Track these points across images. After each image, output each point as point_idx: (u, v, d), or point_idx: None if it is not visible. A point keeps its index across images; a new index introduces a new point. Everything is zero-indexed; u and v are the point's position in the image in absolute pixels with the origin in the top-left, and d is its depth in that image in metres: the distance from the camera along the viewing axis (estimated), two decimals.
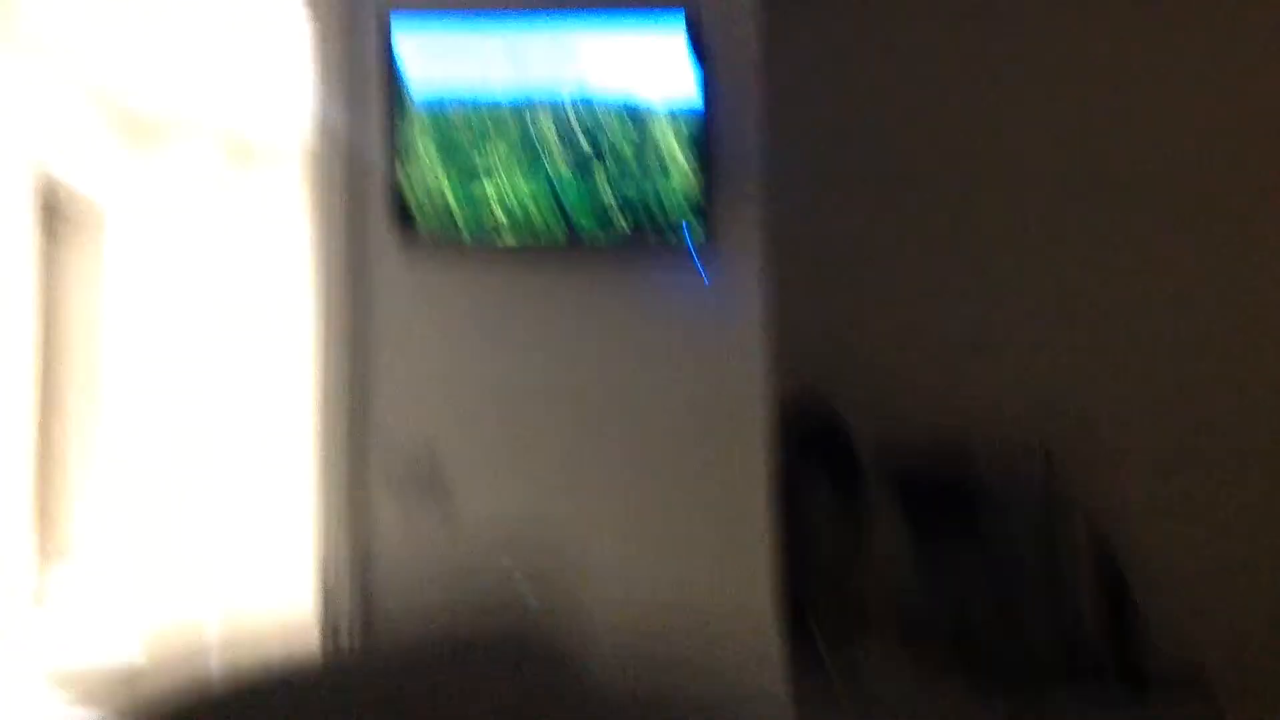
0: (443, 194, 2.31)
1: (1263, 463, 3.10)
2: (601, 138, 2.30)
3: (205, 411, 4.52)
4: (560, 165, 2.31)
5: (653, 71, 2.30)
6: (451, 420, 2.44)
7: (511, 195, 2.31)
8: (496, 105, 2.30)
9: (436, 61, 2.31)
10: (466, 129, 2.30)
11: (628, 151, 2.30)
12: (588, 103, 2.30)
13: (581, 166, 2.30)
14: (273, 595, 4.03)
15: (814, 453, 2.89)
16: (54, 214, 4.15)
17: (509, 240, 2.32)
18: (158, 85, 4.24)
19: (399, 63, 2.31)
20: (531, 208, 2.31)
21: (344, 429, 2.41)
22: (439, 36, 2.31)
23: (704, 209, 2.31)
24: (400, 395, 2.44)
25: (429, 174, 2.31)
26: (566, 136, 2.30)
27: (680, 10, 2.31)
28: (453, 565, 2.38)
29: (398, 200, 2.32)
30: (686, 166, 2.30)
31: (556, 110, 2.30)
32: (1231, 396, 3.15)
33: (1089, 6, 3.29)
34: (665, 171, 2.30)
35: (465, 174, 2.31)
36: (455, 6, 2.39)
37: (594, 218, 2.31)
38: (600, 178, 2.30)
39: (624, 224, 2.31)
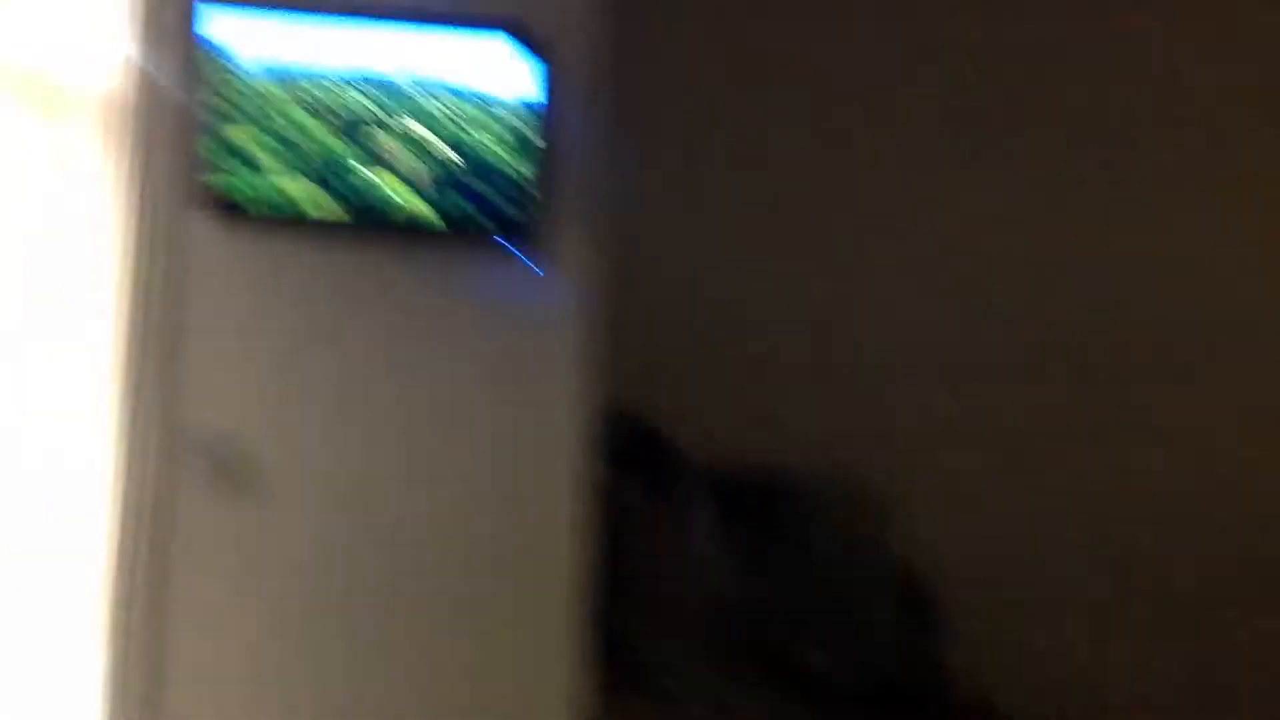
0: (255, 168, 2.22)
1: (1074, 492, 3.18)
2: (431, 122, 2.23)
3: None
4: (383, 146, 2.23)
5: (484, 67, 2.25)
6: (260, 412, 2.35)
7: (328, 174, 2.23)
8: (315, 80, 2.22)
9: (250, 39, 2.22)
10: (281, 101, 2.22)
11: (458, 137, 2.24)
12: (418, 86, 2.24)
13: (406, 148, 2.24)
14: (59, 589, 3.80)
15: (630, 459, 2.88)
16: None
17: (318, 220, 2.25)
18: None
19: (209, 36, 2.22)
20: (346, 188, 2.24)
21: (149, 416, 2.32)
22: (252, 19, 2.23)
23: (535, 206, 2.26)
24: (210, 382, 2.35)
25: (240, 144, 2.22)
26: (390, 116, 2.23)
27: (505, 25, 2.25)
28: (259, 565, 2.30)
29: (206, 169, 2.23)
30: (519, 159, 2.24)
31: (380, 89, 2.23)
32: (1043, 422, 3.21)
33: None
34: (496, 163, 2.24)
35: (278, 147, 2.22)
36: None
37: (419, 203, 2.25)
38: (425, 161, 2.24)
39: (449, 212, 2.25)
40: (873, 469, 3.11)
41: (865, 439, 3.16)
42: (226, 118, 2.21)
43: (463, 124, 2.23)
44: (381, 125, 2.23)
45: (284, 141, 2.22)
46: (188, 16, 2.32)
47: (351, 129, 2.22)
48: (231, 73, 2.20)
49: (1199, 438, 3.10)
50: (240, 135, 2.21)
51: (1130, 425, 3.18)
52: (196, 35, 2.23)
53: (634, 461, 2.85)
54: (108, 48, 2.72)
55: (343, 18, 2.24)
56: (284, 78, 2.22)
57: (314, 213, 2.24)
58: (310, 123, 2.22)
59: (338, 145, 2.23)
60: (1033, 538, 3.13)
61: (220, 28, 2.21)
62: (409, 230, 2.27)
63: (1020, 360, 3.20)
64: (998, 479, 3.15)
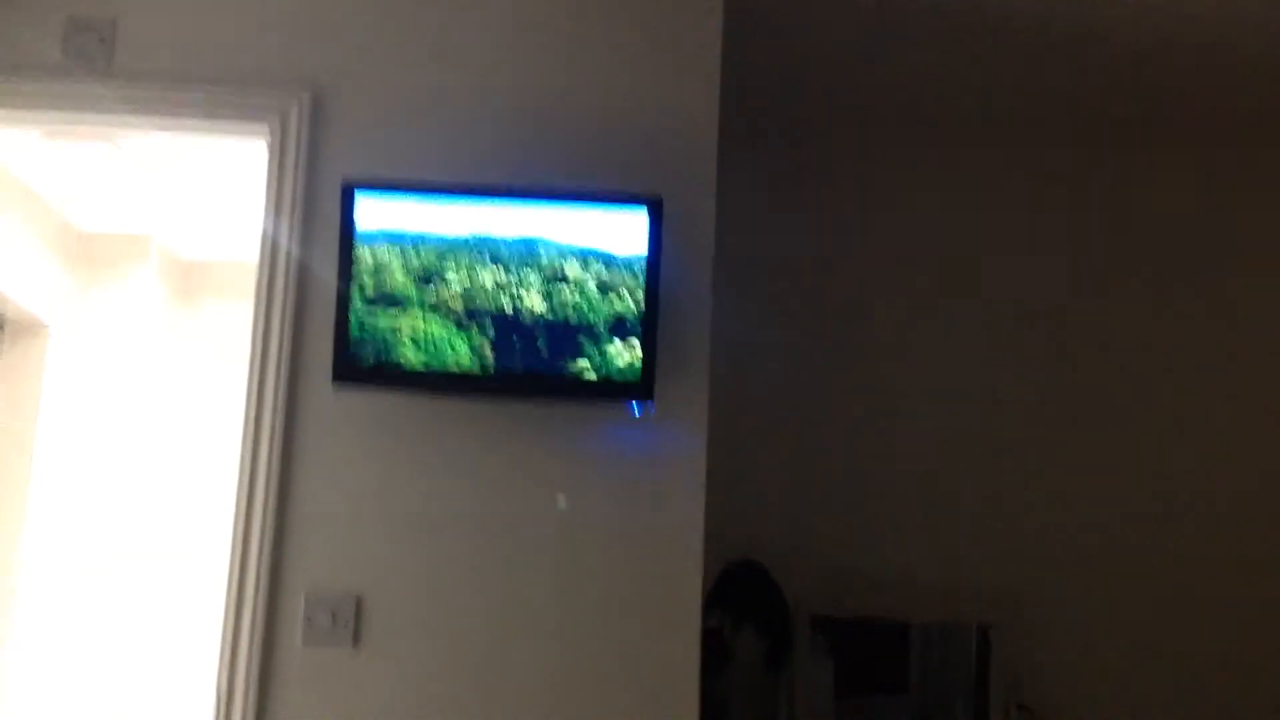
0: (384, 325, 2.33)
1: (1193, 640, 3.14)
2: (550, 284, 2.34)
3: (125, 545, 4.47)
4: (505, 304, 2.34)
5: (607, 235, 2.37)
6: (376, 563, 2.41)
7: (449, 331, 2.33)
8: (445, 244, 2.35)
9: (390, 215, 2.36)
10: (415, 264, 2.34)
11: (575, 298, 2.34)
12: (537, 247, 2.35)
13: (528, 307, 2.34)
14: None
15: (741, 604, 2.89)
16: None
17: (441, 373, 2.34)
18: (111, 209, 4.29)
19: (354, 216, 2.36)
20: (468, 345, 2.33)
21: (262, 567, 2.39)
22: (395, 200, 2.38)
23: (647, 364, 2.34)
24: (323, 532, 2.43)
25: (370, 306, 2.33)
26: (513, 277, 2.34)
27: (647, 201, 2.37)
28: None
29: (342, 333, 2.33)
30: (633, 313, 2.34)
31: (503, 250, 2.35)
32: (1173, 572, 3.20)
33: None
34: (612, 321, 2.34)
35: (406, 306, 2.33)
36: (413, 175, 2.46)
37: (535, 360, 2.34)
38: (546, 318, 2.34)
39: (566, 371, 2.34)
40: (978, 611, 3.11)
41: (971, 581, 3.17)
42: (364, 294, 2.34)
43: (580, 279, 2.35)
44: (500, 286, 2.35)
45: (409, 304, 2.34)
46: (327, 195, 2.50)
47: (473, 291, 2.34)
48: (364, 247, 2.35)
49: None
50: (370, 296, 2.34)
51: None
52: (342, 216, 2.37)
53: (744, 606, 2.87)
54: (245, 225, 2.88)
55: (483, 197, 2.38)
56: (411, 243, 2.35)
57: (452, 366, 2.34)
58: (441, 284, 2.34)
59: (461, 305, 2.35)
60: (1143, 673, 3.10)
61: (360, 206, 2.36)
62: (525, 385, 2.36)
63: (1131, 506, 3.23)
64: (1108, 621, 3.15)
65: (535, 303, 2.34)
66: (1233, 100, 3.22)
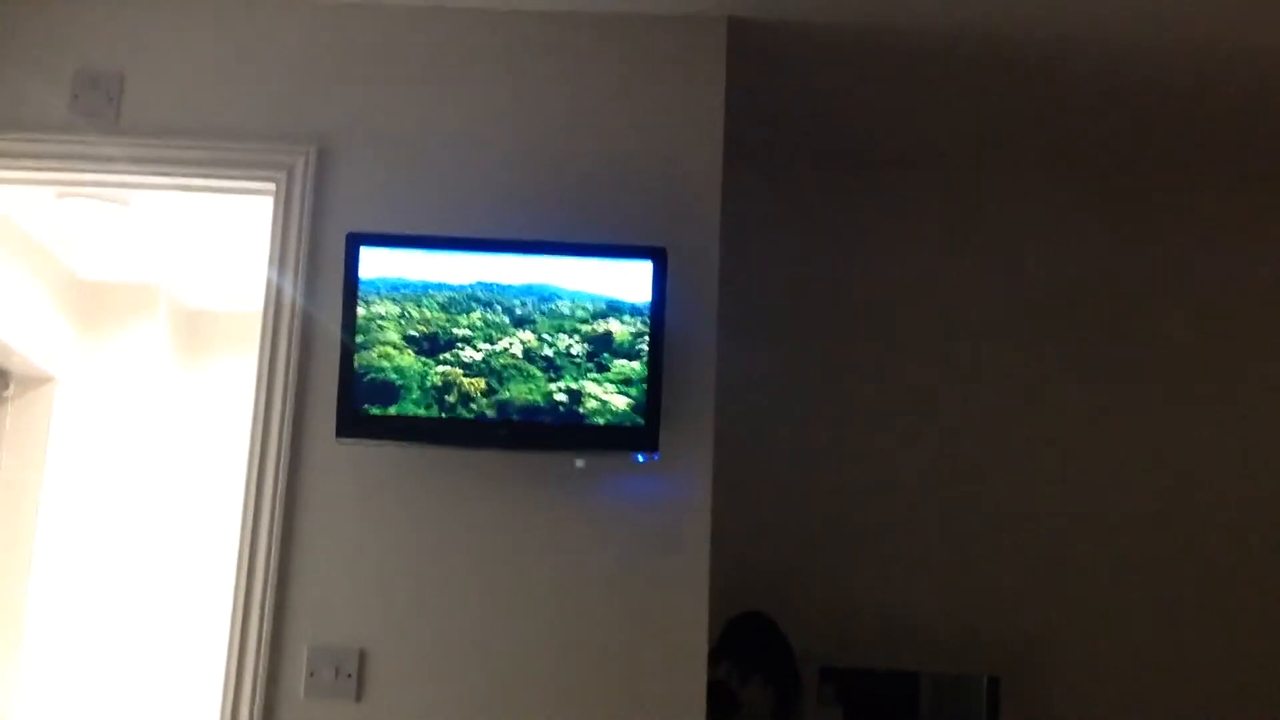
0: (391, 372, 2.34)
1: (1205, 693, 3.11)
2: (555, 334, 2.35)
3: (130, 596, 4.45)
4: (508, 356, 2.35)
5: (612, 286, 2.39)
6: (379, 615, 2.40)
7: (457, 379, 2.33)
8: (449, 296, 2.36)
9: (395, 265, 2.38)
10: (420, 316, 2.35)
11: (579, 347, 2.35)
12: (541, 297, 2.37)
13: (530, 357, 2.35)
14: None
15: (746, 653, 2.87)
16: (3, 377, 4.16)
17: (444, 424, 2.34)
18: (118, 259, 4.30)
19: (358, 269, 2.37)
20: (477, 392, 2.34)
21: (265, 619, 2.39)
22: (399, 252, 2.39)
23: (652, 414, 2.34)
24: (326, 584, 2.42)
25: (378, 356, 2.34)
26: (516, 327, 2.35)
27: (651, 252, 2.39)
28: None
29: (346, 385, 2.34)
30: (636, 366, 2.34)
31: (507, 302, 2.36)
32: (1178, 618, 3.18)
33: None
34: (617, 370, 2.34)
35: (411, 356, 2.35)
36: (418, 229, 2.49)
37: (539, 409, 2.34)
38: (547, 368, 2.35)
39: (567, 418, 2.34)
40: (989, 662, 3.08)
41: (981, 632, 3.15)
42: (366, 334, 2.36)
43: (585, 328, 2.36)
44: (503, 336, 2.36)
45: (414, 354, 2.36)
46: (332, 248, 2.51)
47: (477, 342, 2.36)
48: (369, 299, 2.36)
49: None
50: (379, 357, 2.36)
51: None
52: (346, 269, 2.39)
53: (751, 657, 2.84)
54: (248, 277, 2.89)
55: (486, 250, 2.40)
56: (412, 295, 2.37)
57: (457, 416, 2.34)
58: (444, 332, 2.36)
59: (464, 358, 2.36)
60: None
61: (364, 259, 2.38)
62: (528, 434, 2.36)
63: (1144, 558, 3.20)
64: (1119, 673, 3.12)
65: (539, 352, 2.35)
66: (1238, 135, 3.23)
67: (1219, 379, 3.33)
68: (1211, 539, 3.22)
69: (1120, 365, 3.33)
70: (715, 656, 2.70)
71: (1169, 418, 3.30)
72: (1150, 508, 3.24)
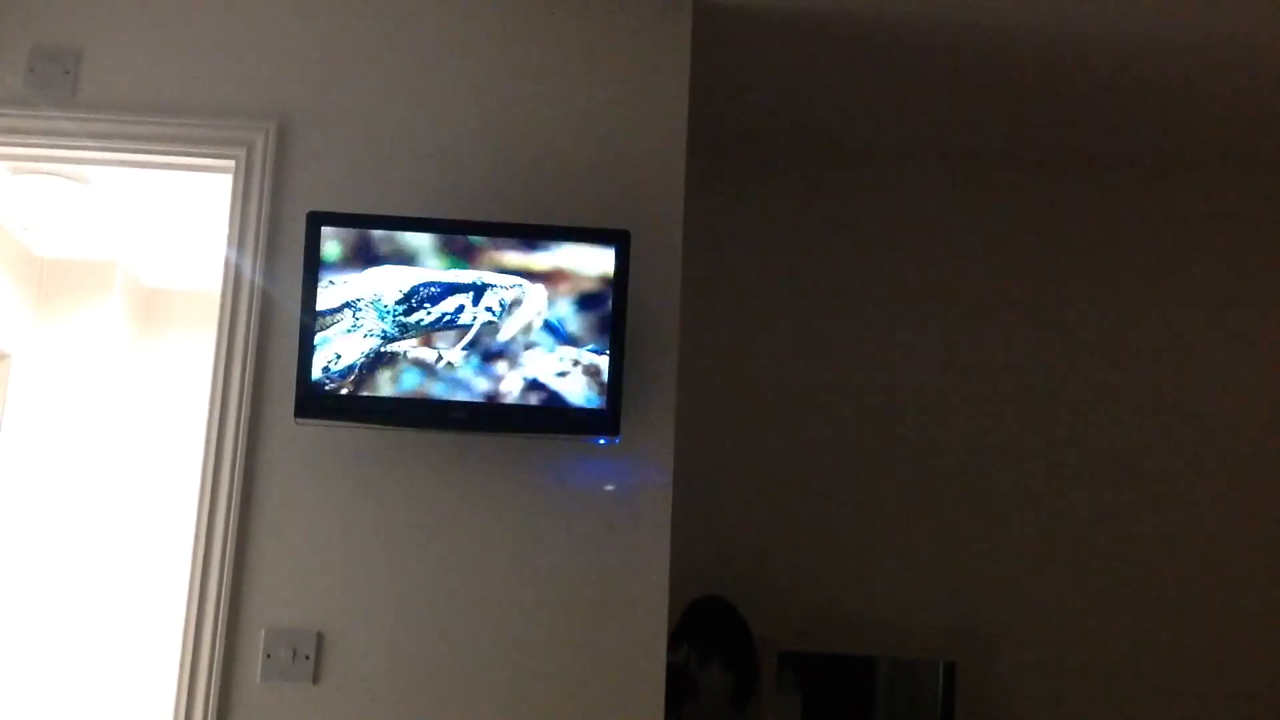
0: (348, 356, 2.32)
1: (1159, 678, 3.15)
2: (514, 316, 2.34)
3: (85, 575, 4.41)
4: (468, 337, 2.33)
5: (573, 269, 2.36)
6: (337, 597, 2.39)
7: (415, 361, 2.31)
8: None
9: (353, 246, 2.35)
10: (372, 297, 2.33)
11: (540, 329, 2.34)
12: (501, 280, 2.35)
13: (490, 342, 2.34)
14: None
15: (706, 636, 2.88)
16: None
17: (403, 404, 2.32)
18: (75, 236, 4.25)
19: (320, 249, 2.34)
20: (431, 377, 2.32)
21: (221, 600, 2.37)
22: (360, 231, 2.36)
23: (613, 398, 2.33)
24: (284, 565, 2.40)
25: (337, 338, 2.32)
26: (476, 310, 2.34)
27: (614, 237, 2.37)
28: None
29: (305, 366, 2.32)
30: (598, 343, 2.34)
31: (467, 284, 2.35)
32: (1135, 614, 3.22)
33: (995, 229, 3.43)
34: (578, 353, 2.33)
35: (370, 336, 2.33)
36: (378, 209, 2.47)
37: (498, 391, 2.33)
38: (509, 351, 2.34)
39: (529, 402, 2.33)
40: (945, 648, 3.11)
41: (937, 618, 3.17)
42: (324, 321, 2.33)
43: (545, 311, 2.35)
44: (464, 318, 2.35)
45: (372, 335, 2.34)
46: (292, 227, 2.49)
47: (438, 317, 2.34)
48: (329, 278, 2.34)
49: None
50: (337, 337, 2.33)
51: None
52: (307, 249, 2.35)
53: (711, 641, 2.86)
54: (207, 255, 2.85)
55: (447, 232, 2.37)
56: (375, 273, 2.35)
57: (414, 397, 2.32)
58: (399, 315, 2.34)
59: (424, 334, 2.34)
60: (1108, 710, 3.11)
61: (325, 238, 2.35)
62: (488, 418, 2.35)
63: (1098, 545, 3.24)
64: (1075, 659, 3.15)
65: (498, 334, 2.34)
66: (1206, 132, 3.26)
67: (1190, 373, 3.35)
68: (1164, 530, 3.25)
69: (1083, 356, 3.36)
70: (675, 640, 2.71)
71: (1134, 411, 3.33)
72: (1104, 499, 3.27)
